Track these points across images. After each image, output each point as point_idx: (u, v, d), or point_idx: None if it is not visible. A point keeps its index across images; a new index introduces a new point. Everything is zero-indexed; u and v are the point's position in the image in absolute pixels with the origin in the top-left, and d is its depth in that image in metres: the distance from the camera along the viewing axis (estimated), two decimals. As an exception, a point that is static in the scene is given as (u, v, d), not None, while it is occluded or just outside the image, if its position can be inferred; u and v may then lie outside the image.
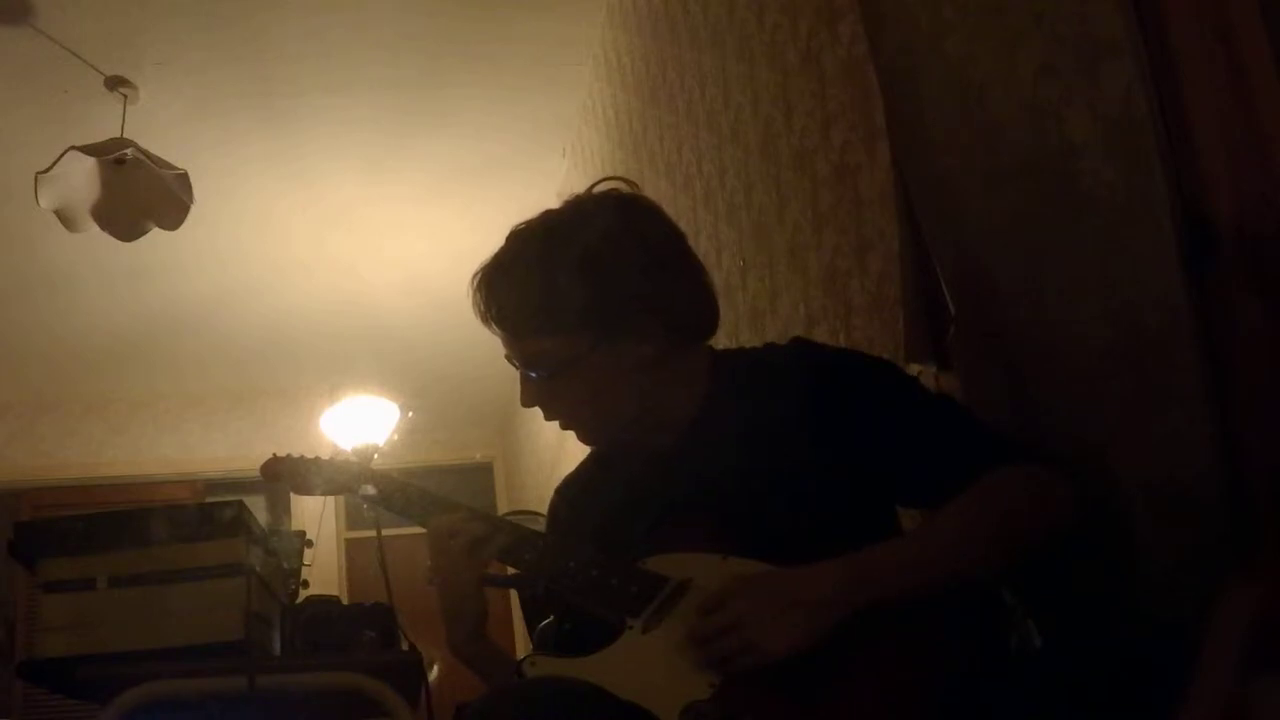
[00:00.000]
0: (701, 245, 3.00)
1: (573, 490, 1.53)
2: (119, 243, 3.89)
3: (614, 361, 1.34)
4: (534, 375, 1.38)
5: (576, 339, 1.33)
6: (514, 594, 2.28)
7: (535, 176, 4.72)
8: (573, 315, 1.32)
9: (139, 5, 3.67)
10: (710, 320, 1.43)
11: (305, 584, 2.26)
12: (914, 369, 1.70)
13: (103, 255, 4.79)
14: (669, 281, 1.36)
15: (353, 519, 6.86)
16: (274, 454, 1.79)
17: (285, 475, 1.75)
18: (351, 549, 6.80)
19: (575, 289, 1.32)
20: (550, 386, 1.37)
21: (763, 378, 1.39)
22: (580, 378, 1.35)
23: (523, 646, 2.41)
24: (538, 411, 1.42)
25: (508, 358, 1.41)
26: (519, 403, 1.42)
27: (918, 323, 1.71)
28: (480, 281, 1.38)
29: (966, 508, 1.20)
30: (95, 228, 3.78)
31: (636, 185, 1.46)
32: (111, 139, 3.70)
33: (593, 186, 1.44)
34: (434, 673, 2.13)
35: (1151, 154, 1.13)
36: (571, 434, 1.46)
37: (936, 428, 1.30)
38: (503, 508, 7.24)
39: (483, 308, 1.38)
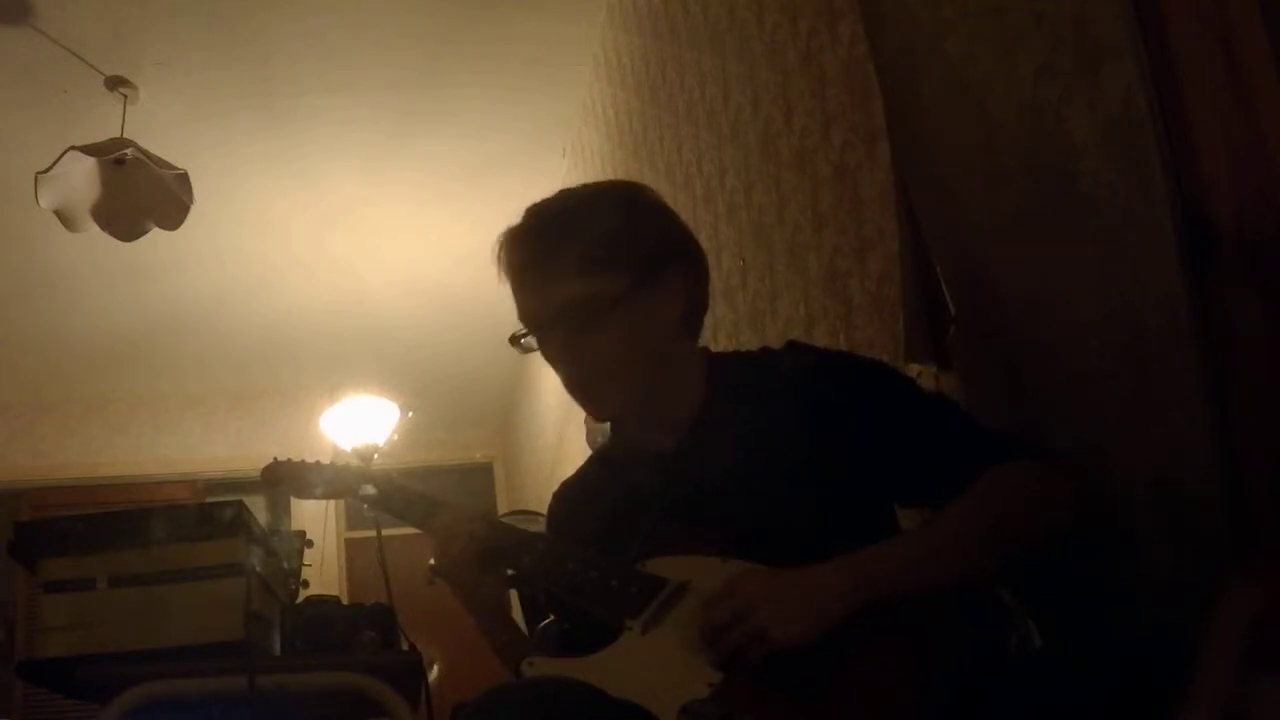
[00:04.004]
0: (702, 245, 2.99)
1: (572, 493, 1.52)
2: (119, 243, 3.89)
3: (647, 312, 1.33)
4: (567, 324, 1.32)
5: (617, 280, 1.30)
6: (514, 594, 2.28)
7: (535, 176, 4.72)
8: (618, 252, 1.31)
9: (139, 5, 3.67)
10: (703, 319, 1.45)
11: (305, 584, 2.26)
12: (914, 369, 1.70)
13: (103, 255, 4.79)
14: (691, 259, 1.42)
15: (353, 519, 6.86)
16: (274, 458, 1.79)
17: (285, 479, 1.75)
18: (351, 549, 6.80)
19: (622, 227, 1.33)
20: (580, 337, 1.32)
21: (760, 381, 1.39)
22: (614, 323, 1.31)
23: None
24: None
25: (523, 322, 1.35)
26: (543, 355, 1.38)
27: (918, 323, 1.71)
28: (516, 231, 1.35)
29: (967, 507, 1.21)
30: (95, 228, 3.79)
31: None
32: (111, 139, 3.70)
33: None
34: (434, 673, 2.13)
35: (1151, 154, 1.13)
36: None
37: (933, 428, 1.30)
38: (503, 508, 7.24)
39: (519, 254, 1.34)
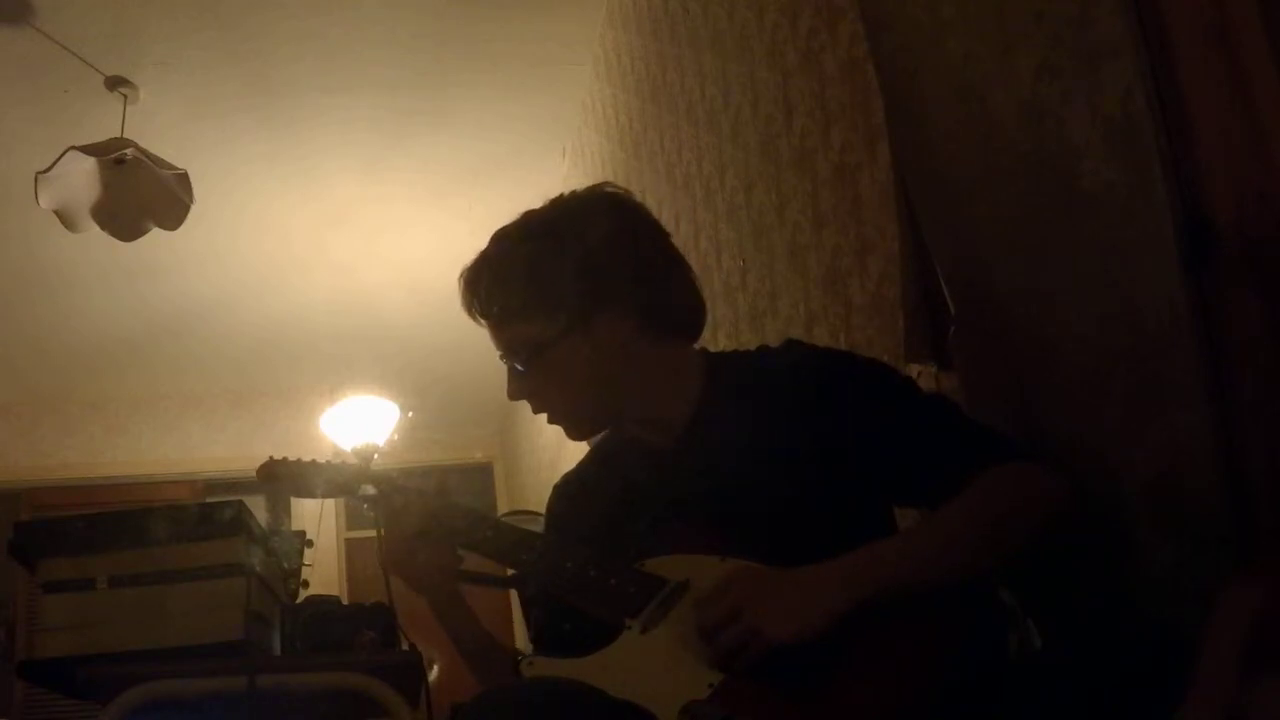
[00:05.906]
0: (701, 245, 3.00)
1: (572, 489, 1.53)
2: (119, 243, 3.89)
3: (591, 345, 1.36)
4: (516, 364, 1.39)
5: (553, 322, 1.35)
6: (514, 594, 2.27)
7: (535, 176, 4.71)
8: (550, 298, 1.35)
9: (139, 5, 3.67)
10: (697, 317, 1.45)
11: (305, 584, 2.26)
12: (914, 369, 1.70)
13: (103, 255, 4.79)
14: (649, 268, 1.39)
15: (353, 519, 6.85)
16: (270, 456, 1.79)
17: (283, 477, 1.74)
18: (351, 549, 6.79)
19: (553, 271, 1.35)
20: (531, 375, 1.39)
21: (758, 379, 1.39)
22: (557, 362, 1.36)
23: (523, 647, 2.41)
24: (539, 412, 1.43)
25: (501, 358, 1.42)
26: (507, 395, 1.43)
27: (918, 323, 1.71)
28: (466, 276, 1.41)
29: (965, 505, 1.21)
30: (95, 228, 3.79)
31: (628, 192, 1.47)
32: (111, 139, 3.71)
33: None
34: (434, 673, 2.13)
35: (1151, 154, 1.13)
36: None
37: (931, 427, 1.30)
38: (503, 508, 7.24)
39: (468, 301, 1.41)
